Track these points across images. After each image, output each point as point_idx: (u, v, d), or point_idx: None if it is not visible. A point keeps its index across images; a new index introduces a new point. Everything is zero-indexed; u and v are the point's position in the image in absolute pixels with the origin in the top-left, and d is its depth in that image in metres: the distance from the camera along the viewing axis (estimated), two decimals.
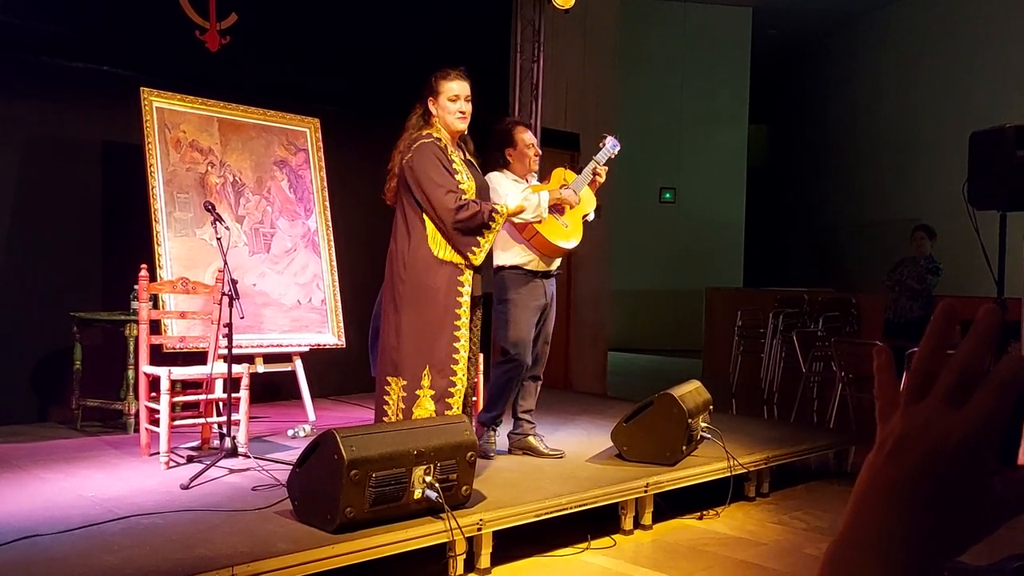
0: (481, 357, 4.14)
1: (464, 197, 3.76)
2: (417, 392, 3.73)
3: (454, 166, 3.81)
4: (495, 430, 4.58)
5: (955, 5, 11.48)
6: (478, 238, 3.76)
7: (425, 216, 3.77)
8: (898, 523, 0.55)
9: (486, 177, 4.37)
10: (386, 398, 3.84)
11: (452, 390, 3.74)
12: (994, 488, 0.55)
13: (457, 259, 3.77)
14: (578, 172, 4.65)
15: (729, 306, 9.73)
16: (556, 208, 4.43)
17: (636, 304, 12.95)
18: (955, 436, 0.54)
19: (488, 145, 4.55)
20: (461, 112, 3.88)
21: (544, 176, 4.68)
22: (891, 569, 0.55)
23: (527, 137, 4.55)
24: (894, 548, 0.55)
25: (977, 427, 0.54)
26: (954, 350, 0.57)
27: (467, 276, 3.77)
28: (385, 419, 3.83)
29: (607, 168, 4.61)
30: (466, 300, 3.76)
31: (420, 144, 3.79)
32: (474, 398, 4.10)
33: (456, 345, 3.74)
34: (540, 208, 4.30)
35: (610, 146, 4.64)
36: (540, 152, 4.62)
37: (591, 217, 4.66)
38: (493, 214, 3.78)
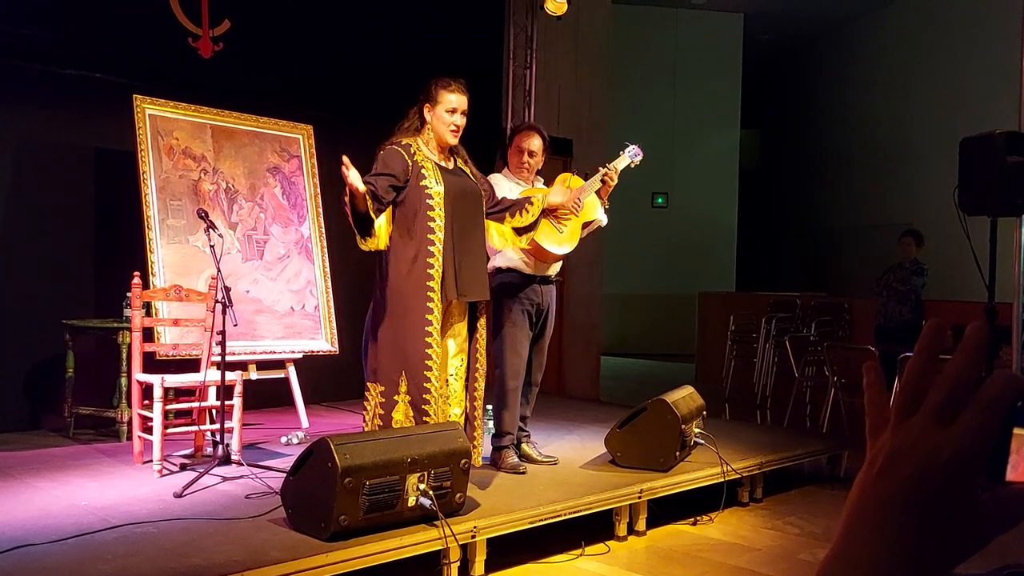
0: (483, 369, 4.08)
1: (384, 200, 3.64)
2: (395, 398, 3.71)
3: (423, 171, 3.77)
4: (513, 445, 4.48)
5: (945, 11, 11.55)
6: (350, 216, 3.58)
7: (395, 220, 3.76)
8: (889, 539, 0.56)
9: (489, 177, 4.35)
10: (365, 404, 3.83)
11: (427, 396, 3.69)
12: (983, 504, 0.56)
13: (425, 261, 3.73)
14: (584, 178, 4.54)
15: (722, 310, 9.75)
16: (552, 213, 4.35)
17: (629, 309, 12.97)
18: (944, 453, 0.55)
19: (498, 152, 4.55)
20: (456, 126, 3.85)
21: (549, 181, 4.61)
22: None
23: (525, 143, 4.48)
24: (885, 564, 0.55)
25: (966, 444, 0.55)
26: (945, 359, 0.58)
27: (437, 281, 3.74)
28: (364, 427, 3.83)
29: (618, 174, 4.44)
30: (436, 304, 3.72)
31: (385, 150, 3.79)
32: (474, 413, 4.05)
33: (428, 351, 3.70)
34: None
35: (629, 154, 4.48)
36: (538, 158, 4.54)
37: (603, 222, 4.55)
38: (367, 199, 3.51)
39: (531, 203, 4.05)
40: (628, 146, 4.54)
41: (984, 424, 0.55)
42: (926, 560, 0.55)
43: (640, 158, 4.51)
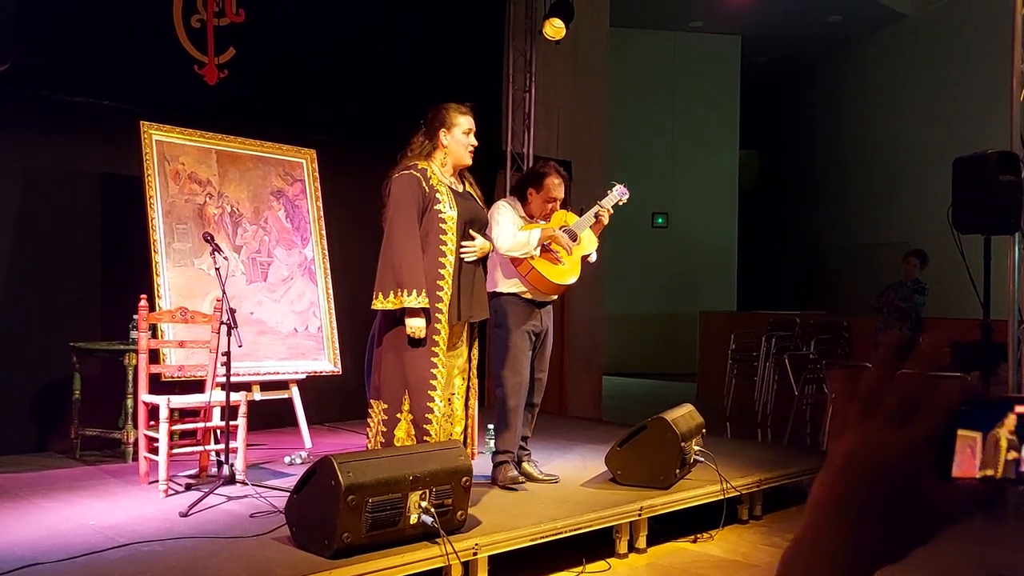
0: (476, 388, 4.15)
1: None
2: (398, 415, 3.78)
3: (438, 195, 3.86)
4: (512, 463, 4.53)
5: (938, 31, 11.67)
6: (388, 289, 3.74)
7: None
8: (846, 531, 0.62)
9: (495, 204, 4.45)
10: (369, 421, 3.89)
11: (430, 416, 3.75)
12: (932, 499, 0.62)
13: (435, 283, 3.81)
14: (577, 212, 4.76)
15: (722, 330, 9.80)
16: (549, 247, 4.49)
17: (630, 329, 13.01)
18: (896, 452, 0.61)
19: (519, 178, 4.66)
20: (472, 146, 3.99)
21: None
22: (839, 572, 0.62)
23: (555, 192, 4.52)
24: (843, 553, 0.62)
25: (916, 445, 0.61)
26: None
27: (445, 304, 3.81)
28: (367, 443, 3.88)
29: (611, 212, 4.67)
30: (443, 327, 3.80)
31: (401, 175, 3.86)
32: (468, 431, 4.10)
33: (433, 371, 3.77)
34: (529, 245, 4.38)
35: (617, 193, 4.74)
36: (556, 208, 4.65)
37: (593, 258, 4.74)
38: (396, 291, 3.72)
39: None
40: (615, 185, 4.79)
41: (932, 427, 0.61)
42: (881, 549, 0.62)
43: (627, 197, 4.80)
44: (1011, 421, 0.63)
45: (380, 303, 3.76)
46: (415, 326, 3.73)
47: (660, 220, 13.61)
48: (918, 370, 0.63)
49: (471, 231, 3.98)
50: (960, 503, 0.62)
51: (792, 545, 0.65)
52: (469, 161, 4.01)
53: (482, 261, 4.08)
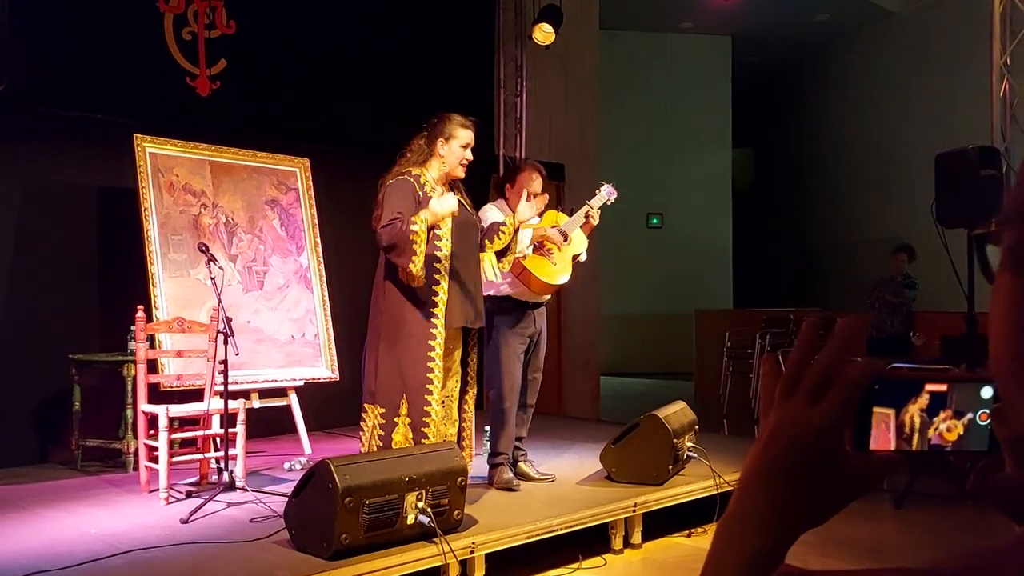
0: (474, 391, 4.21)
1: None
2: (395, 419, 3.83)
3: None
4: (508, 464, 4.59)
5: (926, 28, 11.74)
6: (413, 247, 3.72)
7: None
8: (771, 500, 0.68)
9: (483, 208, 4.53)
10: (362, 425, 3.94)
11: (427, 419, 3.80)
12: (848, 469, 0.68)
13: (431, 288, 3.87)
14: (569, 213, 4.83)
15: (718, 328, 9.86)
16: (542, 246, 4.56)
17: (627, 328, 13.07)
18: (813, 426, 0.68)
19: (499, 178, 4.73)
20: (467, 160, 4.04)
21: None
22: (766, 537, 0.68)
23: (529, 187, 4.56)
24: (768, 520, 0.68)
25: (830, 418, 0.67)
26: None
27: (440, 308, 3.87)
28: (361, 447, 3.94)
29: (600, 212, 4.73)
30: (440, 331, 3.85)
31: (396, 181, 3.92)
32: (465, 433, 4.16)
33: (430, 376, 3.82)
34: (521, 244, 4.44)
35: (605, 193, 4.78)
36: (542, 197, 4.67)
37: (583, 258, 4.80)
38: (411, 225, 3.73)
39: (504, 224, 4.20)
40: (603, 185, 4.84)
41: (844, 401, 0.67)
42: (803, 515, 0.68)
43: (615, 196, 4.84)
44: (923, 399, 0.70)
45: (419, 261, 3.74)
46: (444, 206, 3.80)
47: (655, 220, 13.67)
48: (835, 350, 0.70)
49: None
50: (874, 472, 0.69)
51: (724, 517, 0.71)
52: (462, 174, 4.05)
53: (479, 269, 4.15)
